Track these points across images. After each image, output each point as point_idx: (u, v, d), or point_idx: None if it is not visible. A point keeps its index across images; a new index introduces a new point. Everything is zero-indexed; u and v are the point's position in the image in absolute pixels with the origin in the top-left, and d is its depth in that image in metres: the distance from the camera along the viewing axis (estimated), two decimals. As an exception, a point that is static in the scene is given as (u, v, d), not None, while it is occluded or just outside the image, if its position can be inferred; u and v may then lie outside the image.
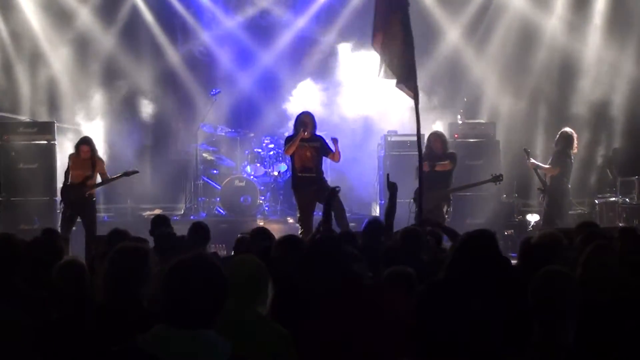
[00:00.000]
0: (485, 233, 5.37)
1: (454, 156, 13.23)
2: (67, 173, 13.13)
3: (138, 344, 3.37)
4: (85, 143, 13.17)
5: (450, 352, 4.67)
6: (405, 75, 9.70)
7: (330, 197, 9.90)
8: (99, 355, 4.02)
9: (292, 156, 12.52)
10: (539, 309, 4.06)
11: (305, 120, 12.48)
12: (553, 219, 13.39)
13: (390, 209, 9.32)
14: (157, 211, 16.51)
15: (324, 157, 12.64)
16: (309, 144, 12.41)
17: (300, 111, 13.16)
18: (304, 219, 12.34)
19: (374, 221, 8.76)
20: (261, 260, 4.73)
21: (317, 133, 12.79)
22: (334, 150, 12.51)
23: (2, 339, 4.75)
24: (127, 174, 13.26)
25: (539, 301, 4.08)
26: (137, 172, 13.45)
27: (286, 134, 13.78)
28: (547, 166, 13.58)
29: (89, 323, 4.48)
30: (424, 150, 13.35)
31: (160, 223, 9.09)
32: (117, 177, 13.32)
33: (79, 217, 13.06)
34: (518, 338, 4.91)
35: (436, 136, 13.34)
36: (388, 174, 10.21)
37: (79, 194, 12.83)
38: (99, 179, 13.16)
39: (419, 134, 10.24)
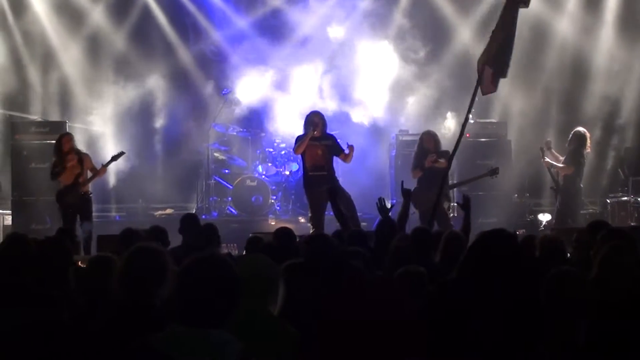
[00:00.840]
0: (503, 233, 5.36)
1: (447, 154, 13.20)
2: (56, 170, 12.92)
3: (152, 343, 3.38)
4: (65, 135, 13.17)
5: (461, 350, 4.68)
6: (497, 66, 9.96)
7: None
8: (112, 354, 4.04)
9: (303, 155, 12.54)
10: (550, 309, 4.05)
11: (314, 119, 12.51)
12: (565, 218, 13.39)
13: (403, 214, 9.33)
14: (169, 211, 16.58)
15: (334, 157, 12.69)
16: (319, 142, 12.44)
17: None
18: (316, 219, 12.35)
19: (385, 220, 8.73)
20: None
21: (329, 132, 12.85)
22: (347, 152, 12.54)
23: (12, 339, 4.76)
24: (114, 158, 13.07)
25: (550, 301, 4.07)
26: (123, 153, 13.29)
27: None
28: (561, 165, 13.59)
29: (104, 321, 4.49)
30: (415, 149, 13.47)
31: (191, 222, 9.03)
32: (106, 165, 13.09)
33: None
34: (529, 337, 4.91)
35: (429, 135, 13.32)
36: (402, 181, 10.15)
37: (75, 194, 12.77)
38: (89, 175, 13.06)
39: (466, 121, 10.60)
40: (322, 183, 12.17)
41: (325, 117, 12.84)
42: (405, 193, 9.58)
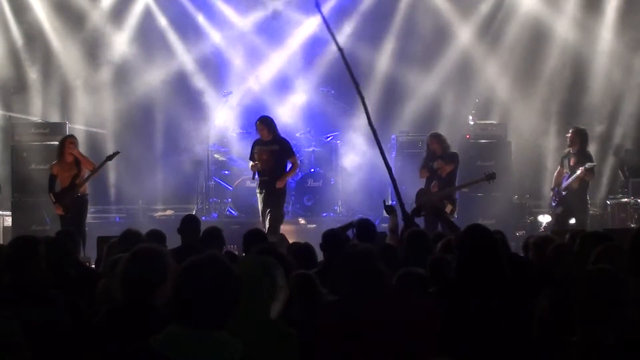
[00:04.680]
0: (478, 228, 5.42)
1: (454, 156, 13.15)
2: (52, 182, 12.91)
3: (151, 345, 3.38)
4: (70, 138, 13.18)
5: (468, 350, 4.69)
6: None
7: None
8: (112, 355, 4.03)
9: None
10: (583, 308, 3.98)
11: (259, 126, 12.80)
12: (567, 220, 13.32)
13: (394, 229, 8.97)
14: (169, 212, 16.57)
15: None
16: (266, 147, 12.57)
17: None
18: (263, 221, 12.63)
19: (363, 223, 8.56)
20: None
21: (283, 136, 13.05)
22: (290, 166, 12.92)
23: (13, 340, 4.77)
24: (109, 158, 13.07)
25: (583, 300, 3.99)
26: (118, 153, 13.26)
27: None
28: (582, 174, 13.15)
29: (104, 322, 4.49)
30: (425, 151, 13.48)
31: (191, 223, 9.06)
32: (101, 164, 13.06)
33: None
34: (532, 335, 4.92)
35: (433, 137, 13.26)
36: (384, 200, 10.06)
37: (72, 196, 12.75)
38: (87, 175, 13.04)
39: None
40: (262, 188, 12.70)
41: (273, 121, 12.99)
42: (389, 210, 9.42)
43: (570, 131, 13.46)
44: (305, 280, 5.36)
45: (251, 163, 12.95)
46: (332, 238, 7.63)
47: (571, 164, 13.21)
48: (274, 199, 12.74)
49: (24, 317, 4.74)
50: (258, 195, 12.94)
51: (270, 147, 12.62)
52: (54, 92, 17.44)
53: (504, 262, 5.24)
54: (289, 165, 12.91)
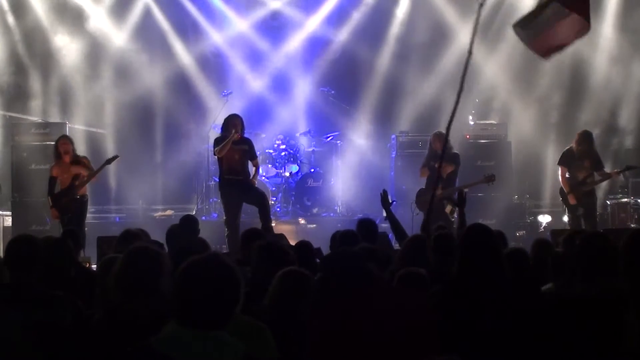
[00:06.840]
0: (479, 227, 5.42)
1: (456, 157, 13.16)
2: (52, 184, 12.86)
3: (151, 344, 3.38)
4: (63, 138, 13.14)
5: (473, 347, 4.69)
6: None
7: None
8: (112, 355, 4.03)
9: (220, 158, 12.57)
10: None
11: (235, 122, 12.54)
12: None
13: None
14: (169, 212, 16.56)
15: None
16: (237, 146, 12.47)
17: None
18: (230, 221, 12.47)
19: (365, 222, 8.50)
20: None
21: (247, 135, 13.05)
22: (256, 157, 12.90)
23: (15, 339, 4.77)
24: (109, 161, 13.02)
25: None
26: (117, 157, 13.23)
27: None
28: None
29: (103, 322, 4.49)
30: (427, 150, 13.49)
31: (190, 224, 9.08)
32: (100, 168, 12.96)
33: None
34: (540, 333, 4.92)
35: (436, 136, 13.26)
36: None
37: (71, 197, 12.74)
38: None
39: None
40: (236, 187, 12.43)
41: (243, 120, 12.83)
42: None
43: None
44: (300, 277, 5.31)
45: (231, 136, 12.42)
46: (341, 238, 7.59)
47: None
48: (257, 190, 12.80)
49: (25, 317, 4.75)
50: (225, 193, 12.61)
51: (241, 146, 12.56)
52: (54, 92, 17.43)
53: (504, 262, 5.25)
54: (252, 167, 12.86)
